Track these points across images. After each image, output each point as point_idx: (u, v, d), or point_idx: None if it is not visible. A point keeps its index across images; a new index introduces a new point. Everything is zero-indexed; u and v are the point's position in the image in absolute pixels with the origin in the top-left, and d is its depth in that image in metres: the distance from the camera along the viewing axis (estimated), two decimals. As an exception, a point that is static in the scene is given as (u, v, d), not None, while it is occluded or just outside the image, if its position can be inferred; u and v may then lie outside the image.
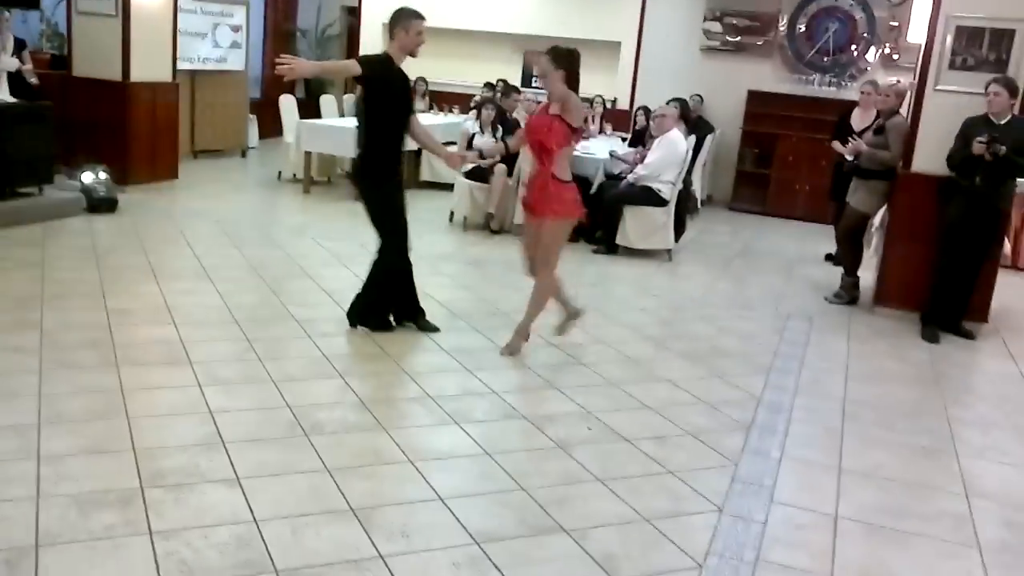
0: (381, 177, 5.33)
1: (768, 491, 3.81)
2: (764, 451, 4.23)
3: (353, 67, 5.07)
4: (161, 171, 9.61)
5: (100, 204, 8.00)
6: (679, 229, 8.31)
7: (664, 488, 3.76)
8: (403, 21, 5.23)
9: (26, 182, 7.51)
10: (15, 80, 7.98)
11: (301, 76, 4.83)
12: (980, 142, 5.93)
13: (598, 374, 5.07)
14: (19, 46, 8.23)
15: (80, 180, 8.06)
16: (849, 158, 7.38)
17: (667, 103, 8.69)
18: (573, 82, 5.04)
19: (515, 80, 12.55)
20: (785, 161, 11.20)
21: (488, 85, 11.25)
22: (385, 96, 5.19)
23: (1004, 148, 5.89)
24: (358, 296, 5.43)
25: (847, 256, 7.31)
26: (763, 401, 4.88)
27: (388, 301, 5.44)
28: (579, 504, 3.55)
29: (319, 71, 5.75)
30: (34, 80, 8.49)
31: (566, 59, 5.03)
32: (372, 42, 13.73)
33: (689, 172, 8.62)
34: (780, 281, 7.84)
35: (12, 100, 7.61)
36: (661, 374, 5.18)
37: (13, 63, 7.86)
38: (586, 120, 10.68)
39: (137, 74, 9.02)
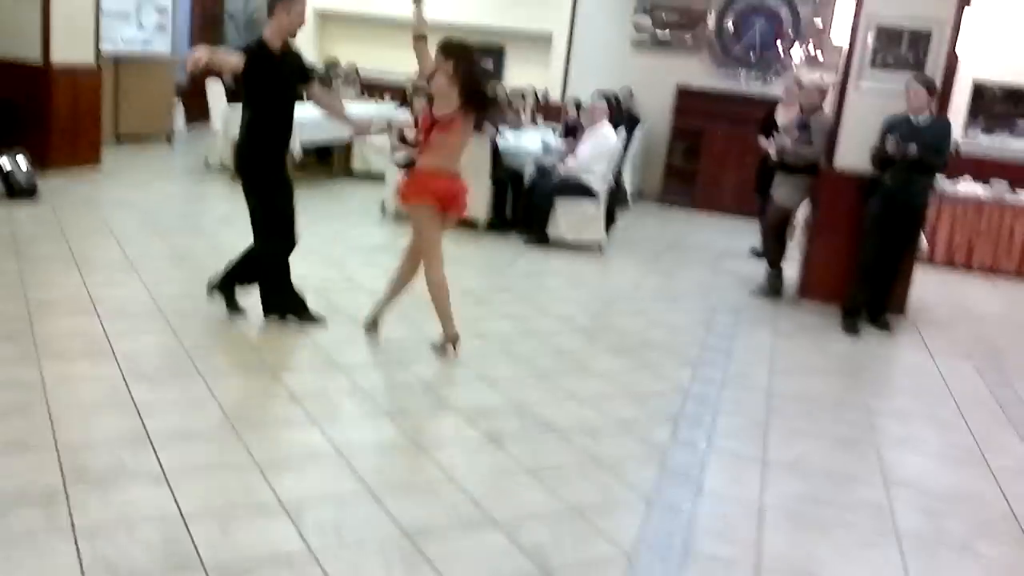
0: (261, 171, 5.14)
1: (695, 482, 3.89)
2: (691, 442, 4.31)
3: (239, 65, 4.85)
4: (83, 156, 9.31)
5: (19, 190, 7.74)
6: (610, 222, 8.40)
7: (593, 480, 3.81)
8: (284, 1, 5.00)
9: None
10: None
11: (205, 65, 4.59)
12: (894, 143, 6.15)
13: (530, 366, 5.11)
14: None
15: (-4, 165, 7.77)
16: (773, 153, 7.54)
17: (592, 96, 8.76)
18: (464, 75, 4.91)
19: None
20: (712, 156, 11.38)
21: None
22: (262, 84, 4.98)
23: (914, 148, 6.10)
24: (228, 267, 5.28)
25: (771, 250, 7.48)
26: (691, 393, 4.98)
27: (246, 280, 5.28)
28: (510, 496, 3.58)
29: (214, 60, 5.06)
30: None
31: (456, 51, 5.00)
32: (303, 31, 13.52)
33: (619, 165, 8.71)
34: (707, 275, 7.99)
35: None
36: (591, 366, 5.24)
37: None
38: (518, 112, 10.71)
39: (58, 56, 8.73)
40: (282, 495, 3.36)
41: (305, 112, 10.22)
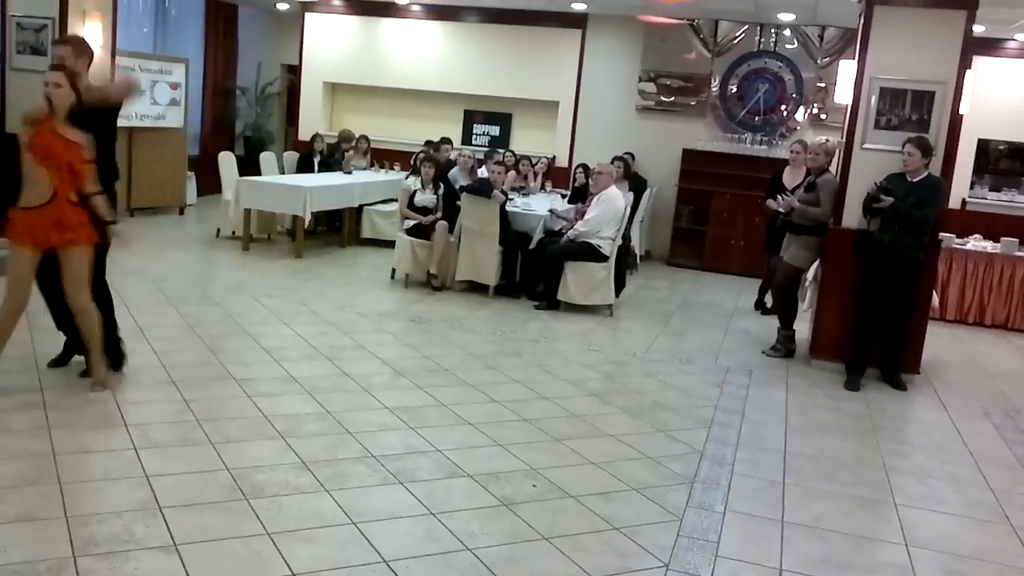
0: None
1: (713, 546, 3.83)
2: (708, 505, 4.25)
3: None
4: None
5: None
6: (619, 284, 8.42)
7: (610, 545, 3.75)
8: None
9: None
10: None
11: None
12: (873, 187, 6.36)
13: (542, 430, 5.07)
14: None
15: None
16: (782, 212, 7.58)
17: (611, 161, 8.85)
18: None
19: (456, 138, 12.68)
20: (720, 217, 11.44)
21: (428, 143, 11.35)
22: None
23: (890, 200, 6.22)
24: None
25: (782, 310, 7.46)
26: (706, 455, 4.92)
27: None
28: (526, 563, 3.52)
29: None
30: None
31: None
32: (313, 99, 13.79)
33: (628, 228, 8.75)
34: (719, 335, 7.96)
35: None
36: (605, 429, 5.20)
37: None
38: (526, 177, 10.84)
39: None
40: (294, 565, 3.31)
41: (315, 180, 10.42)
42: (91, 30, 9.17)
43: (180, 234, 10.93)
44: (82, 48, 5.03)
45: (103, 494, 3.79)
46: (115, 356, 5.26)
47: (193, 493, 3.85)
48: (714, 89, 11.93)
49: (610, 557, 3.64)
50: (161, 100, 11.85)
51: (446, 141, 11.01)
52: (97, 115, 4.92)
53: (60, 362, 5.35)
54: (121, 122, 10.53)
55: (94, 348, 4.97)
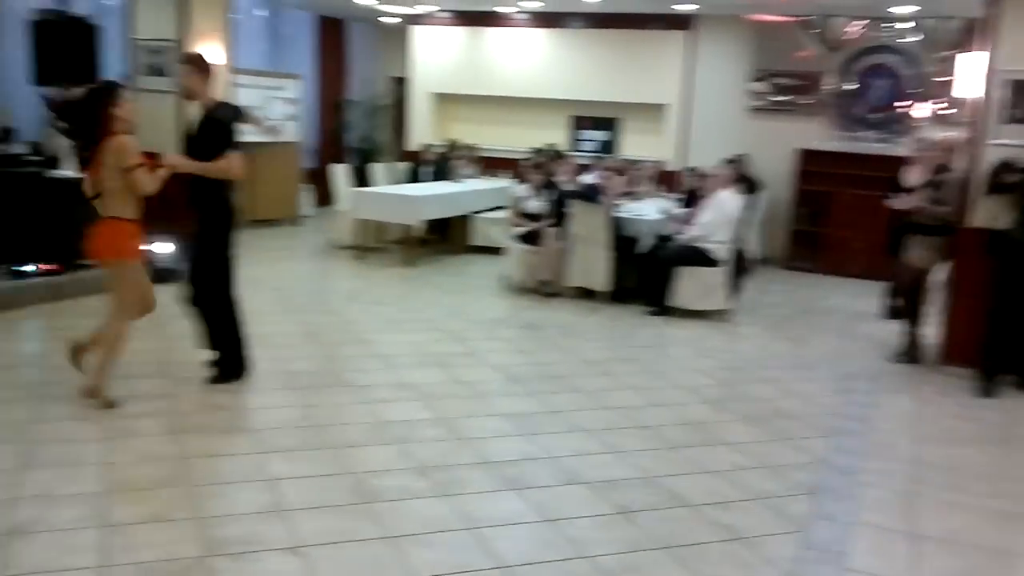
0: None
1: (840, 558, 3.69)
2: (833, 516, 4.10)
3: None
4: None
5: (163, 274, 8.14)
6: (734, 289, 8.23)
7: (731, 555, 3.65)
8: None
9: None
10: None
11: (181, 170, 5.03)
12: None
13: (658, 437, 4.99)
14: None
15: (153, 249, 8.23)
16: (906, 205, 7.27)
17: (723, 163, 8.68)
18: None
19: (562, 145, 12.67)
20: (839, 218, 11.07)
21: (537, 150, 11.37)
22: None
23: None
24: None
25: (908, 313, 7.16)
26: (830, 464, 4.75)
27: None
28: (645, 573, 3.46)
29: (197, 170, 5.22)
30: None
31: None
32: (421, 110, 14.00)
33: (742, 232, 8.56)
34: (841, 340, 7.69)
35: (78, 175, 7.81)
36: (722, 437, 5.08)
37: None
38: (635, 182, 10.72)
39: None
40: (415, 569, 3.34)
41: (425, 189, 10.56)
42: (208, 49, 9.54)
43: (296, 245, 11.24)
44: (200, 65, 5.16)
45: (231, 496, 3.90)
46: (239, 364, 5.42)
47: (316, 496, 3.94)
48: (829, 86, 11.57)
49: (731, 568, 3.55)
50: (277, 115, 12.23)
51: (559, 156, 10.92)
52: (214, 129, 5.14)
53: (219, 379, 5.41)
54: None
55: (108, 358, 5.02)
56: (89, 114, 4.79)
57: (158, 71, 9.34)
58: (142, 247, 4.99)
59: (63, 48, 7.56)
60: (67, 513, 3.62)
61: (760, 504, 4.17)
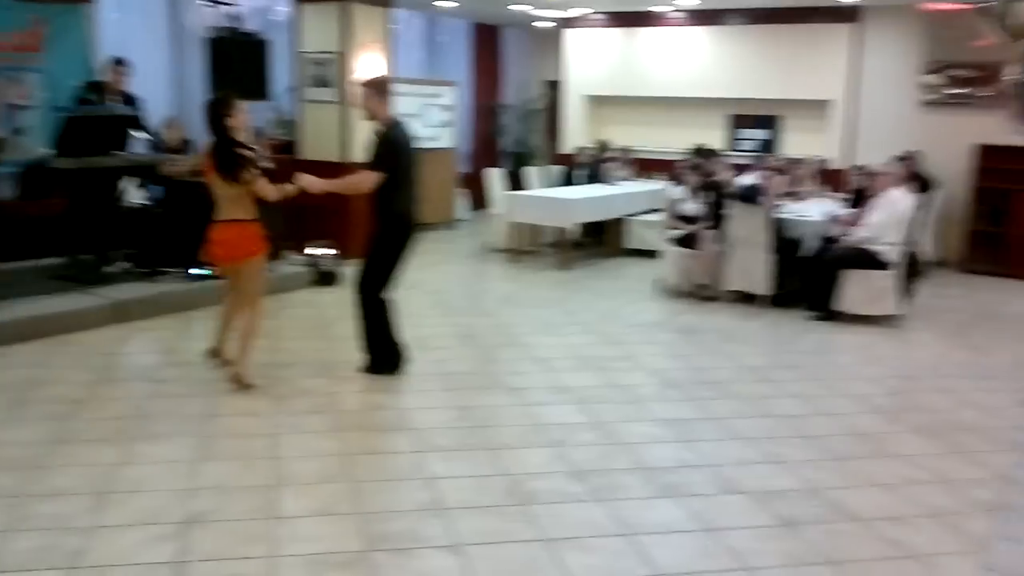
0: None
1: (1028, 583, 3.42)
2: (1018, 537, 3.81)
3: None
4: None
5: (324, 278, 8.50)
6: (906, 293, 7.80)
7: (902, 573, 3.45)
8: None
9: (261, 257, 8.07)
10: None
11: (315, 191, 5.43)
12: None
13: (823, 448, 4.78)
14: (255, 133, 8.96)
15: (306, 256, 8.61)
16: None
17: (893, 160, 8.25)
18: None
19: (719, 145, 12.38)
20: (1022, 218, 10.32)
21: (695, 150, 11.16)
22: None
23: None
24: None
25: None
26: (1012, 480, 4.42)
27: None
28: (811, 588, 3.31)
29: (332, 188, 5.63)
30: (268, 164, 9.19)
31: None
32: (574, 113, 14.01)
33: (914, 232, 8.11)
34: (1024, 348, 7.17)
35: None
36: (893, 449, 4.81)
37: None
38: (797, 181, 10.36)
39: (357, 155, 9.59)
40: (570, 573, 3.32)
41: (579, 192, 10.55)
42: (369, 59, 9.86)
43: (453, 248, 11.45)
44: (379, 88, 5.48)
45: (391, 493, 4.00)
46: (390, 360, 5.66)
47: (472, 496, 3.98)
48: (1011, 77, 10.80)
49: (906, 588, 3.35)
50: (433, 122, 12.52)
51: (711, 153, 10.68)
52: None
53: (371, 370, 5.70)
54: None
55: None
56: (209, 125, 5.17)
57: (323, 82, 9.74)
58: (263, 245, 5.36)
59: (237, 63, 7.99)
60: (239, 504, 3.80)
61: (934, 521, 3.92)
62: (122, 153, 7.45)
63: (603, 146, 12.37)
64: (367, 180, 5.34)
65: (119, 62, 7.90)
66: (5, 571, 3.21)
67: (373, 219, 5.52)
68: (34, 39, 8.33)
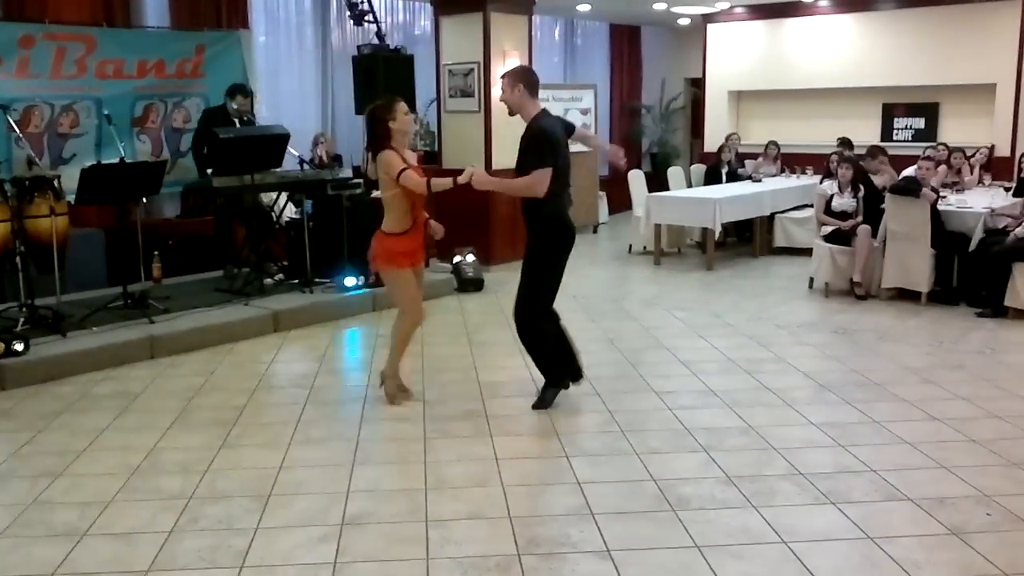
0: None
1: None
2: None
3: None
4: (521, 251, 10.03)
5: (468, 284, 8.64)
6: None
7: (1091, 589, 3.19)
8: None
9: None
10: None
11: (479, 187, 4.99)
12: None
13: (994, 452, 4.48)
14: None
15: (451, 262, 8.78)
16: None
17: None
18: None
19: (872, 136, 11.87)
20: None
21: (842, 141, 10.74)
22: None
23: None
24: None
25: None
26: None
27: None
28: (985, 602, 3.11)
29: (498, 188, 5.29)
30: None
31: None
32: (717, 113, 13.73)
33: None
34: None
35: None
36: (1076, 455, 4.47)
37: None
38: (959, 171, 9.82)
39: (498, 162, 9.67)
40: (725, 581, 3.24)
41: (724, 191, 10.33)
42: (510, 67, 9.94)
43: (595, 251, 11.42)
44: (520, 78, 5.02)
45: (541, 498, 4.02)
46: (570, 369, 5.31)
47: (622, 501, 3.94)
48: None
49: (1095, 605, 3.10)
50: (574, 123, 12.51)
51: (880, 151, 10.07)
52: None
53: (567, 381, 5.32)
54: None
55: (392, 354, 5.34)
56: (372, 130, 5.11)
57: (465, 92, 9.90)
58: (413, 258, 5.19)
59: (383, 79, 8.22)
60: (394, 507, 3.89)
61: None
62: (276, 171, 7.80)
63: (732, 140, 11.99)
64: (541, 181, 4.79)
65: (242, 91, 8.18)
66: (176, 568, 3.40)
67: (529, 226, 5.06)
68: (194, 66, 8.85)
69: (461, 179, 4.93)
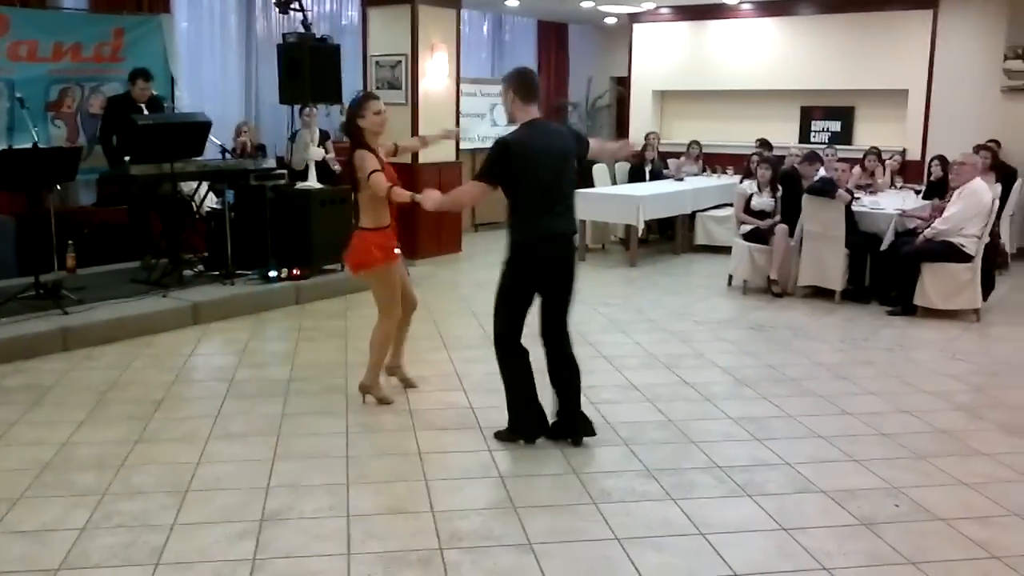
0: None
1: (1124, 587, 3.28)
2: (1113, 538, 3.66)
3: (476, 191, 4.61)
4: (446, 245, 10.18)
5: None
6: (987, 287, 7.56)
7: (988, 575, 3.34)
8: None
9: (330, 259, 8.17)
10: (321, 168, 8.78)
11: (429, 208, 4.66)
12: None
13: (903, 446, 4.65)
14: (323, 137, 9.08)
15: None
16: None
17: (974, 150, 8.00)
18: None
19: (791, 137, 12.17)
20: (1111, 207, 9.93)
21: (761, 142, 10.99)
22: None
23: None
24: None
25: None
26: (1107, 480, 4.25)
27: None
28: (892, 590, 3.23)
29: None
30: (337, 167, 9.32)
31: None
32: (642, 112, 13.90)
33: (996, 223, 7.86)
34: (1115, 342, 6.88)
35: (319, 186, 8.36)
36: (977, 447, 4.66)
37: (319, 152, 8.65)
38: (872, 174, 10.14)
39: (425, 157, 9.65)
40: (644, 572, 3.29)
41: (647, 189, 10.47)
42: (438, 61, 9.92)
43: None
44: (511, 84, 4.50)
45: (464, 492, 4.02)
46: (525, 423, 4.63)
47: (544, 495, 3.98)
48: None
49: (994, 591, 3.24)
50: (500, 122, 12.54)
51: (817, 158, 10.16)
52: None
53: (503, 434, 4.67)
54: (465, 145, 11.33)
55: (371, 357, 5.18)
56: (346, 127, 5.03)
57: (393, 85, 9.83)
58: (391, 253, 5.08)
59: (308, 68, 8.10)
60: (314, 502, 3.86)
61: (1022, 521, 3.79)
62: (197, 159, 7.64)
63: (649, 141, 12.12)
64: (465, 194, 4.75)
65: (143, 75, 7.99)
66: (89, 566, 3.31)
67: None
68: (113, 50, 8.60)
69: (417, 198, 4.65)
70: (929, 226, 7.65)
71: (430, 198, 4.63)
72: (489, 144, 11.52)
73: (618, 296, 8.28)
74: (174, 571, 3.28)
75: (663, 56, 13.60)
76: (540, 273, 4.52)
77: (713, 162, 12.34)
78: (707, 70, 13.19)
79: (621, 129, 14.77)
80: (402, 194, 4.80)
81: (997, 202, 7.73)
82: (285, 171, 8.32)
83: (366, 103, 5.00)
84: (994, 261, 8.14)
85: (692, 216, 10.83)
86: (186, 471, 4.17)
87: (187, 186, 8.09)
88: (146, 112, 7.83)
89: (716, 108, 13.38)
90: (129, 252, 8.23)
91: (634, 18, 13.72)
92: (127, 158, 7.35)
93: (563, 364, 4.66)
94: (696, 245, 10.87)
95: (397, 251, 5.16)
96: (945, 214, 7.50)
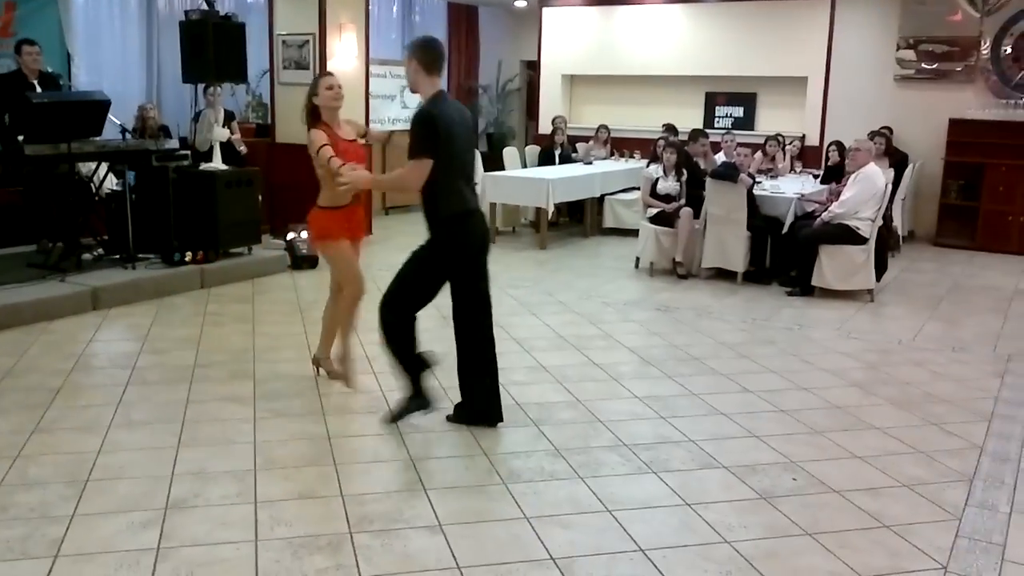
0: None
1: (998, 549, 3.49)
2: (991, 505, 3.88)
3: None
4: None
5: (303, 261, 8.47)
6: (880, 268, 7.88)
7: (880, 543, 3.51)
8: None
9: (237, 242, 8.03)
10: (226, 149, 8.60)
11: (360, 189, 4.73)
12: None
13: (800, 422, 4.84)
14: (228, 117, 8.89)
15: (284, 239, 8.58)
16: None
17: (869, 136, 8.30)
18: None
19: (696, 122, 12.42)
20: (995, 192, 10.44)
21: (667, 127, 11.18)
22: None
23: None
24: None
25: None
26: (986, 451, 4.50)
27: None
28: (788, 559, 3.37)
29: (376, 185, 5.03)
30: (243, 148, 9.13)
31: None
32: (551, 96, 13.97)
33: (889, 207, 8.19)
34: (997, 320, 7.26)
35: (224, 167, 8.18)
36: (870, 421, 4.88)
37: (224, 133, 8.47)
38: (773, 159, 10.42)
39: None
40: (552, 550, 3.35)
41: (557, 172, 10.55)
42: (347, 41, 9.80)
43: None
44: (416, 54, 4.37)
45: (373, 475, 4.02)
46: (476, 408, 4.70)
47: (454, 476, 4.01)
48: (984, 52, 10.89)
49: (880, 556, 3.41)
50: (411, 104, 12.45)
51: (701, 134, 10.51)
52: None
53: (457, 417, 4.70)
54: (375, 126, 11.21)
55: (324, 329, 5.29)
56: (305, 106, 4.99)
57: (300, 65, 9.66)
58: (349, 231, 5.08)
59: (212, 46, 7.89)
60: (221, 489, 3.81)
61: (911, 491, 3.99)
62: (96, 139, 7.38)
63: (557, 124, 12.24)
64: (414, 174, 4.29)
65: (27, 41, 7.70)
66: (-14, 560, 3.21)
67: (428, 226, 4.56)
68: (4, 24, 8.23)
69: (343, 171, 4.55)
70: (826, 210, 7.93)
71: (360, 176, 4.64)
72: (401, 126, 11.47)
73: (528, 279, 8.35)
74: (74, 563, 3.20)
75: (572, 41, 13.69)
76: (470, 249, 4.57)
77: (621, 146, 12.51)
78: (616, 55, 13.34)
79: (531, 112, 14.84)
80: (335, 162, 4.70)
81: (890, 187, 8.06)
82: (188, 152, 8.11)
83: (318, 81, 5.00)
84: (887, 244, 8.48)
85: (601, 199, 10.98)
86: (86, 460, 4.06)
87: (85, 167, 7.80)
88: (40, 90, 7.52)
89: (624, 93, 13.54)
90: (24, 235, 7.92)
91: (544, 2, 13.77)
92: (20, 137, 7.06)
93: (486, 346, 4.73)
94: (605, 228, 11.02)
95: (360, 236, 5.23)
96: (841, 198, 7.79)
